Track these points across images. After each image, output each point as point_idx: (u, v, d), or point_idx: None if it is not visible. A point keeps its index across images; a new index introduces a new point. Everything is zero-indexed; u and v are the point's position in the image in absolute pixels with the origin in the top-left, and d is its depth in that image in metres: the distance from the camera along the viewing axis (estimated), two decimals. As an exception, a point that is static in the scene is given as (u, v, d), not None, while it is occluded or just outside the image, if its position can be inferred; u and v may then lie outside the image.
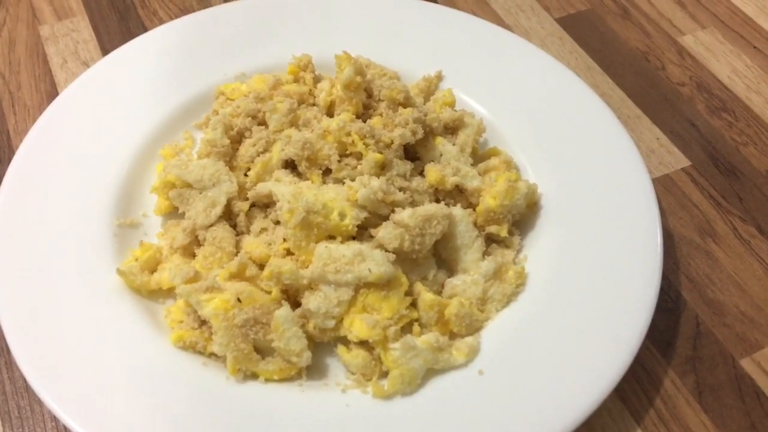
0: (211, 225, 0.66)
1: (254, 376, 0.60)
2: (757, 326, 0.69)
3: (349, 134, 0.67)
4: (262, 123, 0.73)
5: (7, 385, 0.64)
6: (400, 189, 0.66)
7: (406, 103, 0.72)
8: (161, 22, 0.94)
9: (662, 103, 0.87)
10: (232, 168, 0.70)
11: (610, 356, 0.59)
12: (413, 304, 0.63)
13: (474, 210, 0.68)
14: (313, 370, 0.61)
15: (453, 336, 0.62)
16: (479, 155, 0.74)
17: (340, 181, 0.67)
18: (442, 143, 0.71)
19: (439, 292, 0.65)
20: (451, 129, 0.73)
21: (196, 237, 0.67)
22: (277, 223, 0.66)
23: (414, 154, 0.72)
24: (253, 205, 0.69)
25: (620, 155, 0.71)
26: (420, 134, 0.69)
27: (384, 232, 0.62)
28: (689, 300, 0.71)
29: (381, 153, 0.67)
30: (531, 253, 0.67)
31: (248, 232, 0.67)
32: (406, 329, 0.62)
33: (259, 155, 0.70)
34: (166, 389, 0.58)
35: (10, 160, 0.71)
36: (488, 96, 0.78)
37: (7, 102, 0.86)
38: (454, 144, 0.72)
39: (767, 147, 0.83)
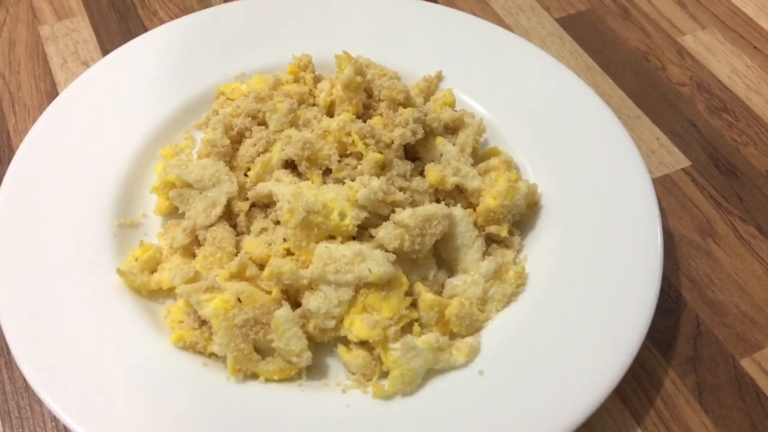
0: (211, 225, 0.66)
1: (254, 376, 0.60)
2: (758, 326, 0.69)
3: (349, 134, 0.67)
4: (262, 123, 0.73)
5: (7, 385, 0.64)
6: (401, 189, 0.66)
7: (407, 103, 0.72)
8: (161, 22, 0.94)
9: (662, 103, 0.87)
10: (232, 168, 0.70)
11: (610, 356, 0.59)
12: (413, 305, 0.63)
13: (474, 210, 0.68)
14: (314, 371, 0.61)
15: (453, 336, 0.62)
16: (479, 155, 0.74)
17: (340, 181, 0.67)
18: (442, 143, 0.71)
19: (439, 293, 0.65)
20: (452, 129, 0.73)
21: (196, 237, 0.67)
22: (277, 223, 0.66)
23: (414, 154, 0.72)
24: (253, 205, 0.69)
25: (620, 155, 0.71)
26: (420, 134, 0.69)
27: (384, 232, 0.62)
28: (689, 300, 0.71)
29: (381, 153, 0.67)
30: (531, 253, 0.67)
31: (248, 232, 0.67)
32: (407, 329, 0.62)
33: (259, 155, 0.70)
34: (166, 389, 0.58)
35: (10, 160, 0.71)
36: (488, 96, 0.78)
37: (7, 102, 0.86)
38: (454, 144, 0.72)
39: (767, 147, 0.83)
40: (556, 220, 0.68)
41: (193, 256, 0.66)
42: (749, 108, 0.87)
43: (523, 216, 0.69)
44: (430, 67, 0.80)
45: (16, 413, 0.63)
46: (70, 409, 0.55)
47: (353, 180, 0.65)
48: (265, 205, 0.68)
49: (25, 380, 0.64)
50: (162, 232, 0.69)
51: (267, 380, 0.59)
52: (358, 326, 0.60)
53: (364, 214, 0.63)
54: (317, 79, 0.79)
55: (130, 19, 0.95)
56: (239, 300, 0.59)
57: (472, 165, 0.70)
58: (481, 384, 0.58)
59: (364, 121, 0.70)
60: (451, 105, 0.77)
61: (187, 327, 0.61)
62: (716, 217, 0.77)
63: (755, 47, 0.94)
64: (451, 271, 0.66)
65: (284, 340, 0.59)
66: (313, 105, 0.76)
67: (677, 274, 0.72)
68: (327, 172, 0.68)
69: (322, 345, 0.63)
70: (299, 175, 0.69)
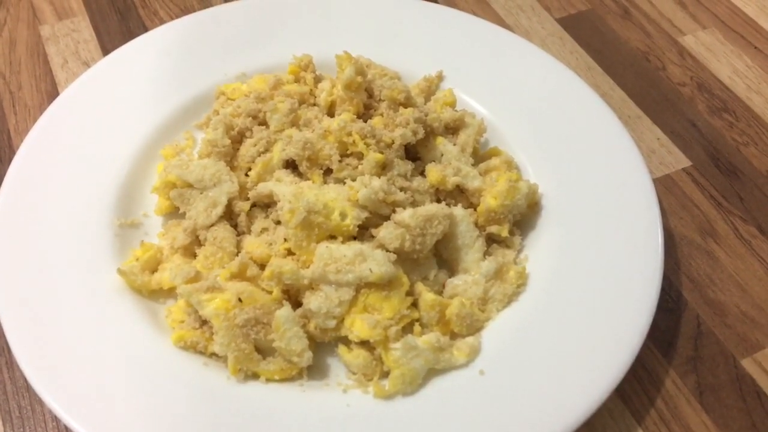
0: (212, 225, 0.66)
1: (255, 376, 0.60)
2: (758, 326, 0.69)
3: (350, 134, 0.67)
4: (263, 123, 0.73)
5: (8, 385, 0.64)
6: (401, 189, 0.66)
7: (407, 103, 0.72)
8: (162, 22, 0.94)
9: (663, 103, 0.87)
10: (232, 168, 0.70)
11: (611, 356, 0.59)
12: (414, 304, 0.63)
13: (475, 210, 0.68)
14: (314, 370, 0.61)
15: (454, 336, 0.62)
16: (480, 155, 0.74)
17: (341, 181, 0.67)
18: (442, 143, 0.71)
19: (440, 292, 0.65)
20: (452, 129, 0.73)
21: (197, 237, 0.67)
22: (278, 223, 0.66)
23: (415, 154, 0.72)
24: (254, 205, 0.69)
25: (621, 155, 0.71)
26: (421, 134, 0.69)
27: (385, 232, 0.62)
28: (690, 300, 0.71)
29: (382, 153, 0.67)
30: (532, 253, 0.67)
31: (249, 232, 0.67)
32: (407, 329, 0.62)
33: (260, 155, 0.70)
34: (167, 389, 0.57)
35: (10, 160, 0.71)
36: (489, 96, 0.78)
37: (8, 102, 0.86)
38: (454, 144, 0.72)
39: (768, 147, 0.83)
40: (557, 220, 0.68)
41: (194, 256, 0.66)
42: (750, 108, 0.87)
43: (523, 216, 0.69)
44: (431, 67, 0.80)
45: (17, 413, 0.63)
46: (70, 409, 0.55)
47: (354, 180, 0.65)
48: (266, 205, 0.68)
49: (25, 380, 0.64)
50: (163, 232, 0.69)
51: (268, 380, 0.59)
52: (358, 326, 0.60)
53: (364, 214, 0.63)
54: (318, 79, 0.79)
55: (130, 19, 0.95)
56: (240, 300, 0.59)
57: (473, 165, 0.70)
58: (482, 384, 0.58)
59: (365, 121, 0.70)
60: (452, 105, 0.77)
61: (188, 327, 0.61)
62: (717, 217, 0.77)
63: (756, 47, 0.94)
64: (452, 271, 0.66)
65: (285, 339, 0.59)
66: (314, 105, 0.76)
67: (678, 274, 0.72)
68: (328, 172, 0.68)
69: (323, 345, 0.63)
70: (300, 175, 0.69)
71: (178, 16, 0.93)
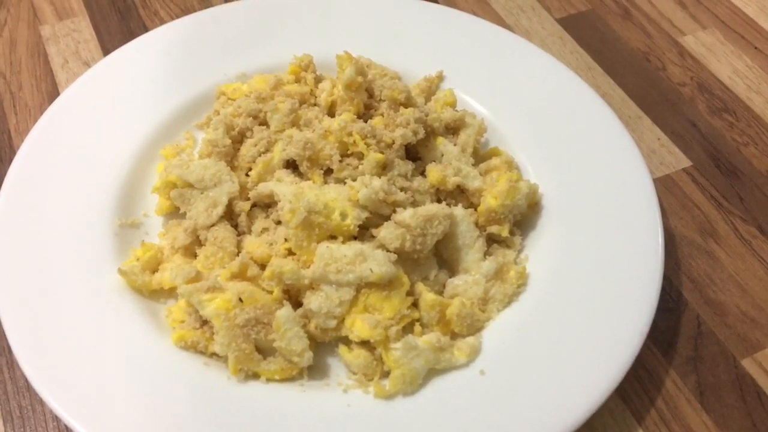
0: (213, 225, 0.66)
1: (256, 376, 0.60)
2: (759, 326, 0.69)
3: (350, 134, 0.67)
4: (264, 123, 0.73)
5: (9, 385, 0.64)
6: (402, 189, 0.66)
7: (408, 103, 0.72)
8: (162, 22, 0.94)
9: (663, 103, 0.88)
10: (233, 168, 0.70)
11: (611, 356, 0.59)
12: (414, 304, 0.63)
13: (475, 210, 0.68)
14: (315, 370, 0.61)
15: (454, 336, 0.62)
16: (480, 155, 0.74)
17: (341, 181, 0.67)
18: (443, 143, 0.71)
19: (440, 292, 0.65)
20: (453, 129, 0.73)
21: (198, 237, 0.67)
22: (279, 223, 0.66)
23: (415, 154, 0.72)
24: (254, 205, 0.69)
25: (621, 155, 0.71)
26: (421, 134, 0.69)
27: (385, 232, 0.62)
28: (690, 300, 0.71)
29: (382, 153, 0.67)
30: (532, 253, 0.67)
31: (249, 232, 0.67)
32: (408, 329, 0.62)
33: (260, 155, 0.70)
34: (168, 389, 0.58)
35: (11, 160, 0.71)
36: (489, 96, 0.78)
37: (8, 102, 0.86)
38: (455, 144, 0.72)
39: (768, 147, 0.83)
40: (557, 220, 0.68)
41: (195, 256, 0.66)
42: (750, 108, 0.87)
43: (524, 216, 0.69)
44: (431, 67, 0.80)
45: (18, 413, 0.63)
46: (71, 409, 0.55)
47: (354, 180, 0.65)
48: (267, 205, 0.68)
49: (26, 380, 0.64)
50: (163, 232, 0.69)
51: (268, 380, 0.59)
52: (359, 326, 0.60)
53: (365, 214, 0.63)
54: (318, 79, 0.79)
55: (131, 19, 0.95)
56: (240, 300, 0.59)
57: (473, 165, 0.70)
58: (482, 384, 0.59)
59: (365, 121, 0.70)
60: (452, 105, 0.77)
61: (189, 327, 0.61)
62: (717, 217, 0.77)
63: (756, 47, 0.94)
64: (452, 271, 0.66)
65: (285, 339, 0.59)
66: (315, 105, 0.76)
67: (678, 274, 0.72)
68: (328, 172, 0.68)
69: (324, 345, 0.63)
70: (300, 175, 0.69)
71: (178, 16, 0.93)
